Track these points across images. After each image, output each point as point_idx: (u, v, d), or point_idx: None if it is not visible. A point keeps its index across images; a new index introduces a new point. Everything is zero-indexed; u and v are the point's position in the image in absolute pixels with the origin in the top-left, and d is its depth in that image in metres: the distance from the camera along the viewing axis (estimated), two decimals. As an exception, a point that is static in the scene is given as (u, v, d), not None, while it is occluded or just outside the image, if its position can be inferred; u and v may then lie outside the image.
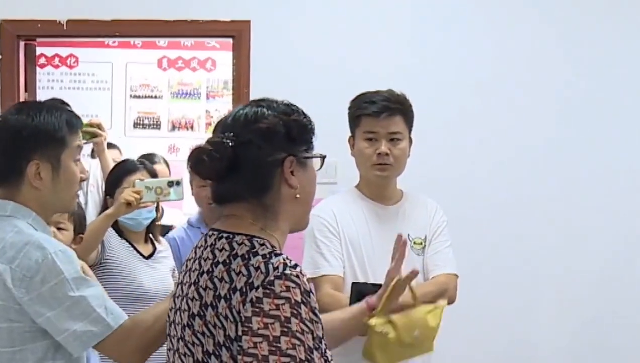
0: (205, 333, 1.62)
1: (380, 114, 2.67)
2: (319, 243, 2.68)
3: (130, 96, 5.78)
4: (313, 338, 1.56)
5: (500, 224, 4.09)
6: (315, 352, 1.56)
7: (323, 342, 1.60)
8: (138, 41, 5.54)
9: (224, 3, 4.07)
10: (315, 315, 1.59)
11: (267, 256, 1.62)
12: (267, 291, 1.56)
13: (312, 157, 1.79)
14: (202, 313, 1.63)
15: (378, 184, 2.76)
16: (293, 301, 1.55)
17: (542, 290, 4.11)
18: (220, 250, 1.67)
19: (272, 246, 1.67)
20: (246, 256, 1.63)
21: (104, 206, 3.52)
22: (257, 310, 1.55)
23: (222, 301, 1.60)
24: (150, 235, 3.55)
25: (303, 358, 1.54)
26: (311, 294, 1.60)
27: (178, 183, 3.25)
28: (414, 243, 2.74)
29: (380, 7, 4.10)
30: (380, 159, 2.69)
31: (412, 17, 4.12)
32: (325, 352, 1.60)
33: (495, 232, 4.08)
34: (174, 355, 1.74)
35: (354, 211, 2.74)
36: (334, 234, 2.69)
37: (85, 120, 4.12)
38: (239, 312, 1.57)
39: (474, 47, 4.11)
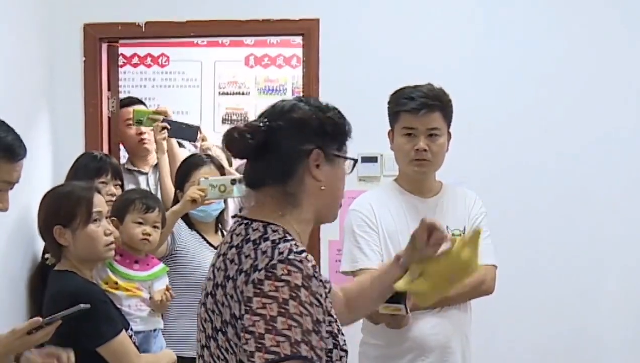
0: (215, 311, 1.71)
1: (419, 110, 2.69)
2: (357, 237, 2.73)
3: (219, 92, 5.92)
4: (312, 322, 1.61)
5: (564, 215, 4.07)
6: (313, 335, 1.60)
7: (324, 327, 1.65)
8: (226, 40, 5.68)
9: (294, 2, 4.15)
10: (317, 300, 1.64)
11: (277, 241, 1.69)
12: (269, 273, 1.63)
13: (341, 156, 1.83)
14: (213, 293, 1.72)
15: (416, 178, 2.79)
16: (293, 284, 1.61)
17: (605, 280, 4.06)
18: (237, 235, 1.75)
19: (286, 233, 1.73)
20: (257, 241, 1.70)
21: (175, 200, 3.69)
22: (257, 290, 1.62)
23: (230, 281, 1.68)
24: (220, 226, 3.69)
25: (299, 339, 1.58)
26: (314, 279, 1.65)
27: (241, 181, 3.36)
28: (453, 234, 2.74)
29: (447, 3, 4.12)
30: (418, 155, 2.71)
31: (478, 11, 4.12)
32: (326, 337, 1.65)
33: (559, 222, 4.07)
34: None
35: (392, 204, 2.78)
36: (373, 228, 2.73)
37: (153, 108, 4.36)
38: (242, 292, 1.64)
39: (540, 39, 4.08)
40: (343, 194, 1.89)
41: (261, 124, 1.77)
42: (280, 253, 1.66)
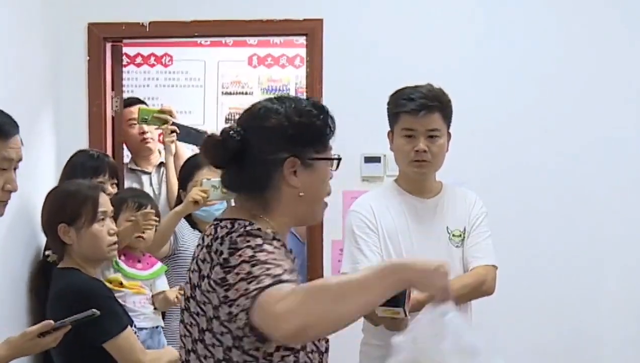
0: (199, 312, 1.71)
1: (418, 112, 2.70)
2: (357, 238, 2.74)
3: (222, 92, 5.92)
4: (284, 269, 1.60)
5: (564, 215, 4.07)
6: (287, 275, 1.59)
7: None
8: (229, 40, 5.67)
9: (298, 2, 4.16)
10: (285, 254, 1.67)
11: (241, 229, 1.69)
12: (232, 250, 1.64)
13: (319, 159, 1.81)
14: (193, 295, 1.73)
15: (416, 179, 2.80)
16: (254, 244, 1.63)
17: (605, 280, 4.07)
18: (208, 236, 1.76)
19: (252, 224, 1.72)
20: (225, 237, 1.70)
21: (178, 199, 3.70)
22: (227, 269, 1.63)
23: (206, 279, 1.69)
24: (222, 226, 3.70)
25: (280, 272, 1.58)
26: (275, 242, 1.67)
27: None
28: (453, 235, 2.77)
29: (449, 4, 4.14)
30: (418, 156, 2.72)
31: (479, 11, 4.13)
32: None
33: (559, 222, 4.07)
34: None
35: (392, 205, 2.79)
36: (372, 229, 2.74)
37: (157, 107, 4.38)
38: (215, 281, 1.65)
39: (540, 39, 4.09)
40: (328, 193, 1.87)
41: (235, 134, 1.77)
42: (237, 231, 1.67)
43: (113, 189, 3.38)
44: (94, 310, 2.31)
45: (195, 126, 4.25)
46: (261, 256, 1.61)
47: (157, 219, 3.28)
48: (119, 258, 3.17)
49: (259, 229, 1.68)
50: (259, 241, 1.64)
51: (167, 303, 3.23)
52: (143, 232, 3.22)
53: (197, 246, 1.80)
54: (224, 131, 1.79)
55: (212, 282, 1.66)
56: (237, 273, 1.60)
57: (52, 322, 2.28)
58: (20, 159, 2.26)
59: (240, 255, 1.62)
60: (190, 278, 1.77)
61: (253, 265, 1.59)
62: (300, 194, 1.78)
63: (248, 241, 1.64)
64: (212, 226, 1.77)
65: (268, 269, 1.58)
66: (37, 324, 2.30)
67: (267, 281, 1.55)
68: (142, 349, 2.63)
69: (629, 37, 4.08)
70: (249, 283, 1.57)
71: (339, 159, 1.86)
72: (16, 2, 3.45)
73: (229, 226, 1.73)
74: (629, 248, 4.06)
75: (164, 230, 3.42)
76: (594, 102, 4.07)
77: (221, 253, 1.66)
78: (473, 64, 4.08)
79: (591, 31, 4.07)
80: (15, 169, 2.26)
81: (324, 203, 1.87)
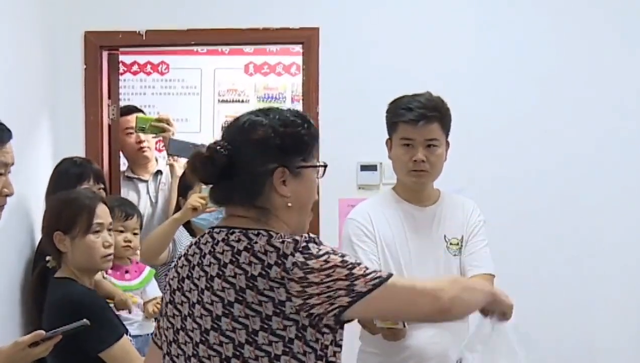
0: (249, 314, 1.69)
1: (417, 122, 2.68)
2: (355, 246, 2.72)
3: (218, 100, 5.92)
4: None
5: (564, 222, 4.09)
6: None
7: None
8: (225, 48, 5.68)
9: (294, 11, 4.18)
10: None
11: (282, 235, 1.73)
12: (307, 254, 1.69)
13: (307, 167, 1.83)
14: (240, 298, 1.70)
15: (414, 187, 2.79)
16: (332, 250, 1.73)
17: (606, 288, 4.08)
18: (238, 241, 1.75)
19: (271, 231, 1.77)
20: (266, 239, 1.73)
21: (177, 207, 3.70)
22: (307, 269, 1.68)
23: (259, 278, 1.69)
24: (221, 234, 3.70)
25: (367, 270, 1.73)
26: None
27: None
28: (450, 243, 2.76)
29: (444, 11, 4.16)
30: (416, 166, 2.71)
31: (477, 19, 4.16)
32: None
33: (559, 230, 4.09)
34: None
35: (390, 213, 2.78)
36: (370, 237, 2.73)
37: (154, 115, 4.39)
38: (283, 278, 1.67)
39: (539, 46, 4.13)
40: (315, 199, 1.90)
41: (222, 149, 1.78)
42: (300, 238, 1.72)
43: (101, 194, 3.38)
44: (85, 320, 2.31)
45: (189, 137, 4.21)
46: (349, 259, 1.74)
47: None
48: (107, 273, 3.17)
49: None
50: (329, 247, 1.75)
51: (151, 316, 3.23)
52: (130, 241, 3.24)
53: (222, 252, 1.77)
54: (210, 148, 1.80)
55: (276, 280, 1.68)
56: (329, 274, 1.69)
57: (43, 332, 2.27)
58: (13, 163, 2.28)
59: (325, 260, 1.70)
60: (228, 283, 1.73)
61: (349, 268, 1.71)
62: (289, 204, 1.81)
63: (322, 249, 1.72)
64: (237, 233, 1.77)
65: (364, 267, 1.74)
66: (29, 334, 2.29)
67: (383, 273, 1.74)
68: (138, 356, 2.62)
69: (627, 41, 4.11)
70: (351, 277, 1.69)
71: (325, 166, 1.89)
72: (13, 10, 3.44)
73: (264, 232, 1.75)
74: (630, 254, 4.08)
75: (162, 236, 3.42)
76: (592, 108, 4.09)
77: (284, 254, 1.70)
78: (470, 71, 4.11)
79: (589, 36, 4.11)
80: (8, 173, 2.28)
81: (310, 213, 1.90)
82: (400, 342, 2.69)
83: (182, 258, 1.88)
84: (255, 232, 1.75)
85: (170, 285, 1.87)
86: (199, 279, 1.78)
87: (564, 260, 4.07)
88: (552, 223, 4.07)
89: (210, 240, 1.82)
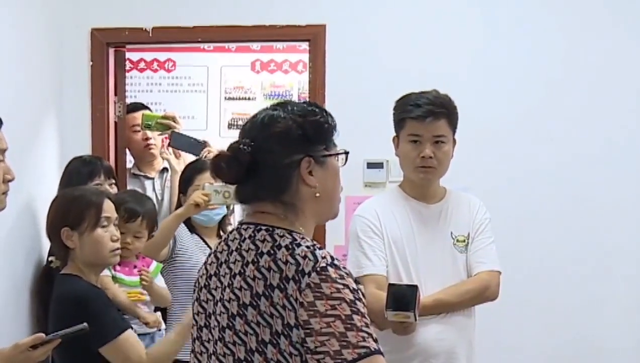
0: (261, 322, 1.67)
1: (425, 118, 2.70)
2: (362, 243, 2.74)
3: (225, 98, 5.91)
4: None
5: (569, 221, 4.07)
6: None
7: None
8: (232, 45, 5.67)
9: (301, 8, 4.16)
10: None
11: (311, 247, 1.70)
12: (323, 276, 1.64)
13: (331, 155, 1.83)
14: (254, 303, 1.69)
15: (421, 184, 2.80)
16: (351, 287, 1.65)
17: (611, 287, 4.05)
18: (262, 241, 1.74)
19: (299, 236, 1.75)
20: (290, 246, 1.70)
21: (178, 203, 3.71)
22: (318, 294, 1.63)
23: (277, 290, 1.66)
24: (222, 231, 3.71)
25: (374, 335, 1.65)
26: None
27: None
28: (457, 240, 2.77)
29: (452, 9, 4.14)
30: (423, 162, 2.73)
31: (484, 18, 4.13)
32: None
33: (564, 229, 4.07)
34: (209, 359, 1.79)
35: (397, 210, 2.79)
36: (377, 234, 2.74)
37: (161, 113, 4.39)
38: (296, 299, 1.64)
39: (546, 46, 4.09)
40: (341, 188, 1.90)
41: (245, 147, 1.77)
42: (324, 258, 1.68)
43: (113, 189, 3.39)
44: (85, 324, 2.31)
45: (196, 134, 4.21)
46: (360, 305, 1.66)
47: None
48: (115, 270, 3.18)
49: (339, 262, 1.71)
50: (352, 284, 1.67)
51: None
52: (129, 244, 3.25)
53: (247, 250, 1.76)
54: (232, 147, 1.79)
55: (291, 299, 1.65)
56: (333, 307, 1.63)
57: (43, 335, 2.29)
58: (6, 149, 2.31)
59: (337, 289, 1.64)
60: (247, 284, 1.72)
61: (354, 312, 1.64)
62: (317, 194, 1.80)
63: (342, 278, 1.66)
64: (262, 232, 1.76)
65: (367, 324, 1.65)
66: (29, 337, 2.30)
67: (372, 344, 1.64)
68: (143, 350, 2.62)
69: (633, 42, 4.08)
70: (349, 331, 1.62)
71: (347, 153, 1.89)
72: (19, 7, 3.45)
73: (289, 235, 1.73)
74: (636, 254, 4.06)
75: (164, 232, 3.42)
76: (599, 109, 4.07)
77: (302, 271, 1.66)
78: (477, 69, 4.09)
79: (595, 36, 4.07)
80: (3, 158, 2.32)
81: (339, 198, 1.91)
82: (408, 339, 2.70)
83: (212, 255, 1.87)
84: (281, 233, 1.74)
85: (198, 282, 1.87)
86: (224, 276, 1.78)
87: (569, 259, 4.04)
88: (558, 223, 4.05)
89: (237, 236, 1.81)
